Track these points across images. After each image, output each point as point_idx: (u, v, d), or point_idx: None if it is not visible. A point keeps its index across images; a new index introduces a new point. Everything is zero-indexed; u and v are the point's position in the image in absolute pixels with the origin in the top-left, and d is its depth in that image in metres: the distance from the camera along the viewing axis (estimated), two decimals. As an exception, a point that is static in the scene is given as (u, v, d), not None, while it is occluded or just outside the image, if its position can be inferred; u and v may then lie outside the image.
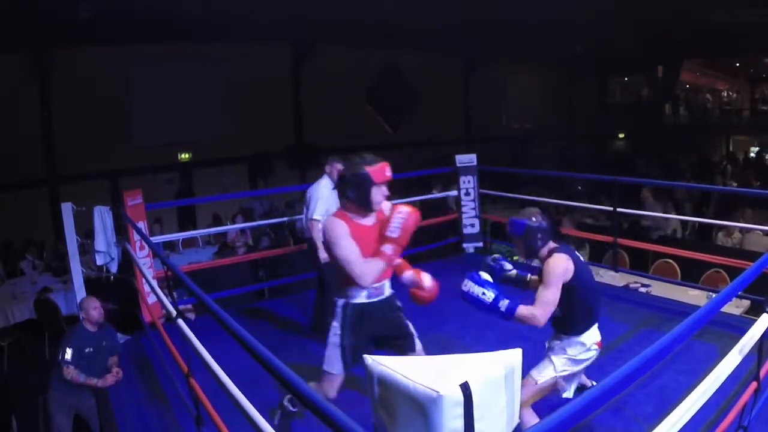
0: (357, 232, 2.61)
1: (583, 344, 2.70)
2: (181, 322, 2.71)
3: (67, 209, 4.66)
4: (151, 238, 4.52)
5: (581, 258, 2.78)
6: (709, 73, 18.56)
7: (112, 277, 5.51)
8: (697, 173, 12.04)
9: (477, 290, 2.57)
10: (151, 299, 4.67)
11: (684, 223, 7.65)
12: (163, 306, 3.24)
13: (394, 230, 2.54)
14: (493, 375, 1.01)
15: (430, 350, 3.04)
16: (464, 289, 2.62)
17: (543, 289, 2.61)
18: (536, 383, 2.69)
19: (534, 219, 2.73)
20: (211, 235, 8.52)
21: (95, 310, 3.92)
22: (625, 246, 5.68)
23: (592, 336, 2.72)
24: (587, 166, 11.73)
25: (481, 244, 6.80)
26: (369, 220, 2.69)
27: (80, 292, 4.60)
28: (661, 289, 5.27)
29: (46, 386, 3.82)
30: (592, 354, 2.74)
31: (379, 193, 2.61)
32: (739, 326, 3.02)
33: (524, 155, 15.85)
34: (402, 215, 2.55)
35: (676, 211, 7.93)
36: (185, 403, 3.12)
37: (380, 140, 14.20)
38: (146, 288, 4.58)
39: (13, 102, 9.27)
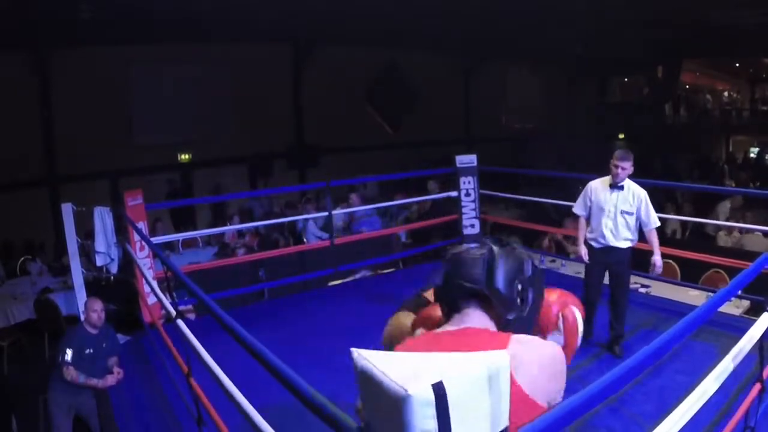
0: None
1: None
2: (180, 322, 2.71)
3: (67, 209, 4.65)
4: (151, 239, 4.52)
5: None
6: (709, 73, 18.55)
7: (112, 277, 5.51)
8: (701, 174, 12.02)
9: None
10: (151, 300, 4.67)
11: (684, 223, 7.66)
12: (163, 306, 3.25)
13: None
14: (473, 375, 0.99)
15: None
16: None
17: None
18: None
19: None
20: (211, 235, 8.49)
21: (97, 311, 3.92)
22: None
23: None
24: (587, 165, 11.71)
25: (481, 245, 6.78)
26: None
27: (80, 293, 4.60)
28: (661, 289, 5.27)
29: (46, 386, 3.82)
30: None
31: None
32: (739, 326, 3.03)
33: (524, 155, 15.84)
34: None
35: (675, 212, 7.92)
36: (185, 403, 3.13)
37: (380, 140, 14.21)
38: (146, 288, 4.58)
39: (13, 102, 9.26)
